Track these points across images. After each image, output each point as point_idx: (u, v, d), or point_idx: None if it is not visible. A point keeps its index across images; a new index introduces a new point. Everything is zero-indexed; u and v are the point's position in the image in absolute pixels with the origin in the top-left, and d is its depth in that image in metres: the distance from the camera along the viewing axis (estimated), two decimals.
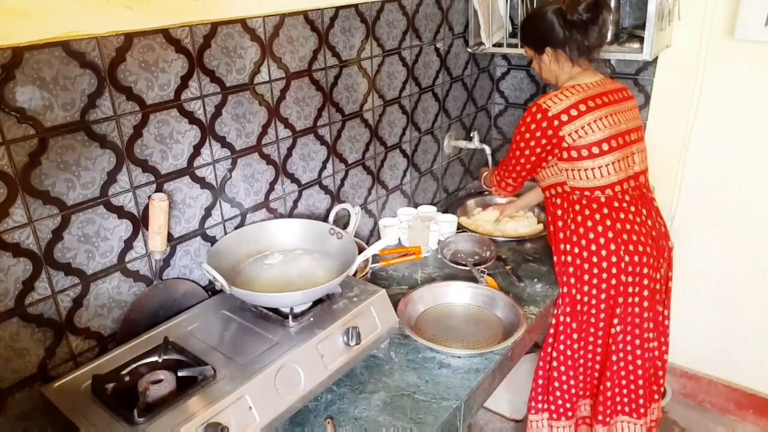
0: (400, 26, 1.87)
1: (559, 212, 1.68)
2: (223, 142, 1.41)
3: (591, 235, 1.60)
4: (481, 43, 2.17)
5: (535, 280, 1.77)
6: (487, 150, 2.28)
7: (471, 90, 2.37)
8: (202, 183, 1.39)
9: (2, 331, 1.09)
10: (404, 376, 1.35)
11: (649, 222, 1.65)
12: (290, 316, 1.26)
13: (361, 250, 1.42)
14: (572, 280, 1.65)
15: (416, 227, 1.92)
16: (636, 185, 1.64)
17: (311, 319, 1.28)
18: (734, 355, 2.27)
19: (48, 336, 1.16)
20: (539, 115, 1.56)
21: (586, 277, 1.62)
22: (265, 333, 1.25)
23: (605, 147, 1.56)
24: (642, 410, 1.72)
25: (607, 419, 1.72)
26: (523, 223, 2.14)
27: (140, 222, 1.28)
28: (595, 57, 1.66)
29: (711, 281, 2.21)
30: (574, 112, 1.54)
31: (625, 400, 1.72)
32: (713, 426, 2.31)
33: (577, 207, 1.62)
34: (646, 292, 1.64)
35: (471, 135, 2.32)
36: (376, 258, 1.84)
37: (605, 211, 1.59)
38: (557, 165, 1.61)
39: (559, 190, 1.66)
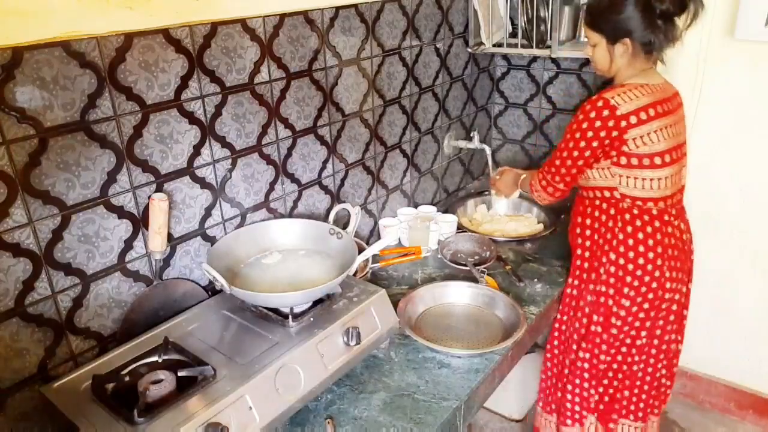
0: (400, 26, 1.87)
1: (604, 218, 1.56)
2: (223, 142, 1.41)
3: (641, 248, 1.51)
4: (481, 43, 2.17)
5: (535, 280, 1.77)
6: (487, 150, 2.28)
7: (471, 90, 2.37)
8: (202, 183, 1.39)
9: (2, 331, 1.09)
10: (404, 376, 1.35)
11: (685, 237, 1.61)
12: (290, 316, 1.27)
13: (361, 250, 1.42)
14: (611, 291, 1.57)
15: (416, 227, 1.92)
16: (680, 199, 1.59)
17: (311, 319, 1.28)
18: (734, 355, 2.27)
19: (48, 336, 1.16)
20: (606, 111, 1.42)
21: (626, 290, 1.55)
22: (265, 333, 1.25)
23: (667, 159, 1.47)
24: (641, 413, 1.70)
25: (610, 424, 1.71)
26: (523, 223, 2.14)
27: (140, 222, 1.27)
28: (663, 56, 1.54)
29: (711, 281, 2.20)
30: (643, 116, 1.42)
31: (632, 408, 1.69)
32: (713, 426, 2.31)
33: (628, 216, 1.52)
34: (674, 307, 1.61)
35: (471, 135, 2.32)
36: (376, 258, 1.84)
37: (657, 224, 1.51)
38: (610, 169, 1.49)
39: (607, 194, 1.54)
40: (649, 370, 1.66)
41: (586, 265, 1.64)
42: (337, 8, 1.61)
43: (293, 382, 1.16)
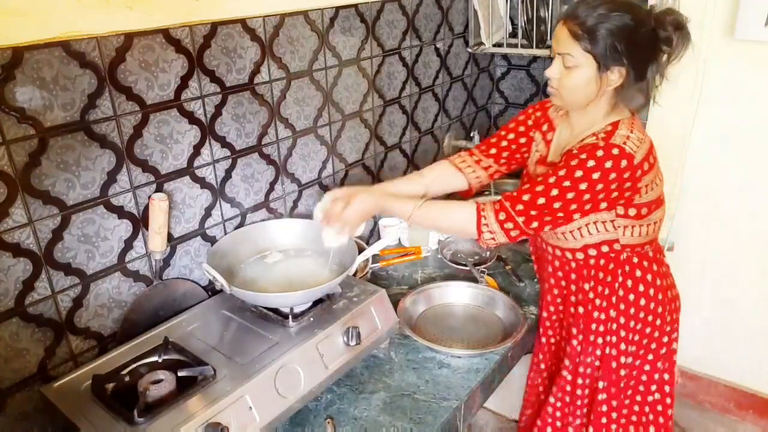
0: (400, 26, 1.87)
1: (601, 275, 1.35)
2: (223, 142, 1.41)
3: (642, 302, 1.35)
4: (481, 43, 2.17)
5: (535, 280, 1.76)
6: None
7: (471, 90, 2.37)
8: (202, 183, 1.39)
9: (2, 331, 1.09)
10: (404, 376, 1.35)
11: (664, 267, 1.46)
12: (290, 316, 1.27)
13: (361, 250, 1.42)
14: (614, 351, 1.39)
15: (416, 227, 1.92)
16: None
17: (311, 319, 1.28)
18: (734, 355, 2.27)
19: (48, 336, 1.16)
20: (624, 162, 1.16)
21: (631, 347, 1.39)
22: (265, 333, 1.25)
23: (659, 202, 1.31)
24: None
25: None
26: None
27: (140, 222, 1.27)
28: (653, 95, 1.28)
29: (711, 281, 2.20)
30: (651, 160, 1.23)
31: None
32: (713, 426, 2.31)
33: (627, 268, 1.33)
34: (673, 343, 1.46)
35: (471, 135, 2.32)
36: (376, 258, 1.84)
37: (654, 268, 1.36)
38: (614, 221, 1.27)
39: (605, 249, 1.31)
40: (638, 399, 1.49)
41: (607, 327, 1.39)
42: (337, 8, 1.61)
43: (293, 382, 1.16)
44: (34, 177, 1.07)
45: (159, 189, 1.30)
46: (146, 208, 1.27)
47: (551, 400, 1.53)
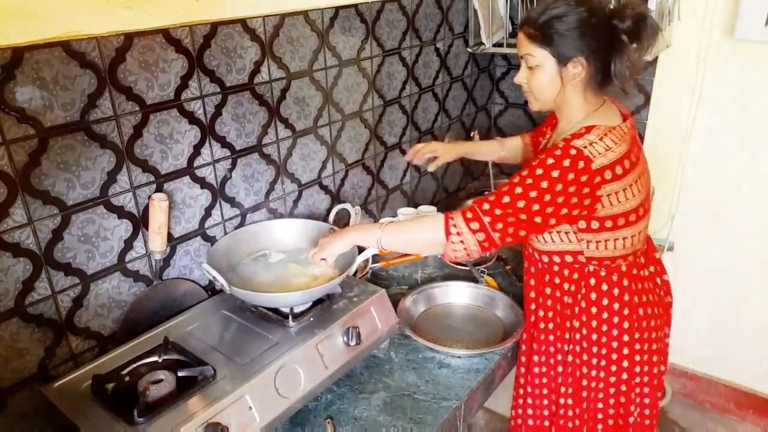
0: (400, 26, 1.87)
1: (566, 285, 1.34)
2: (223, 142, 1.41)
3: (605, 315, 1.31)
4: (481, 43, 2.17)
5: None
6: None
7: (471, 90, 2.37)
8: (202, 183, 1.39)
9: (2, 331, 1.09)
10: (404, 376, 1.35)
11: (658, 280, 1.41)
12: (290, 316, 1.27)
13: (361, 250, 1.42)
14: (577, 360, 1.38)
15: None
16: (648, 241, 1.40)
17: (311, 319, 1.28)
18: (734, 355, 2.27)
19: (48, 336, 1.16)
20: (581, 163, 1.15)
21: (594, 360, 1.35)
22: (265, 333, 1.25)
23: (641, 212, 1.25)
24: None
25: None
26: None
27: (140, 222, 1.28)
28: (628, 88, 1.25)
29: (711, 281, 2.20)
30: (619, 170, 1.17)
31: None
32: (713, 426, 2.31)
33: (593, 281, 1.30)
34: (653, 357, 1.39)
35: (471, 135, 2.32)
36: (376, 258, 1.84)
37: (625, 283, 1.30)
38: (577, 234, 1.25)
39: (569, 259, 1.31)
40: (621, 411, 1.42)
41: (567, 336, 1.39)
42: (337, 8, 1.61)
43: (293, 382, 1.16)
44: (34, 177, 1.07)
45: (159, 189, 1.30)
46: (146, 208, 1.27)
47: (528, 389, 1.50)
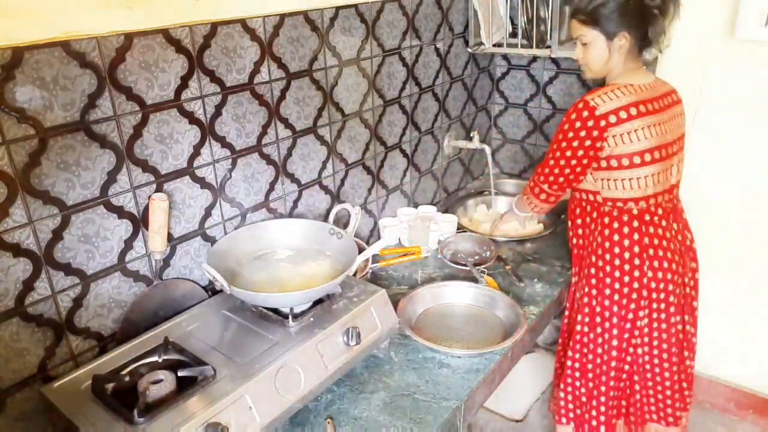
0: (400, 26, 1.87)
1: (588, 220, 1.61)
2: (223, 142, 1.41)
3: (616, 250, 1.53)
4: (481, 43, 2.17)
5: (535, 280, 1.77)
6: (487, 150, 2.28)
7: (471, 90, 2.37)
8: (202, 183, 1.39)
9: (2, 331, 1.09)
10: (404, 376, 1.35)
11: (679, 237, 1.60)
12: (290, 316, 1.27)
13: (361, 250, 1.42)
14: (594, 291, 1.59)
15: (416, 227, 1.92)
16: (669, 198, 1.57)
17: (311, 319, 1.28)
18: (734, 355, 2.27)
19: (48, 336, 1.16)
20: (585, 113, 1.45)
21: (607, 291, 1.56)
22: (265, 333, 1.25)
23: (647, 158, 1.47)
24: (671, 418, 1.66)
25: (638, 429, 1.69)
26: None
27: (140, 222, 1.28)
28: (662, 47, 1.55)
29: (711, 281, 2.20)
30: (623, 114, 1.44)
31: (653, 408, 1.66)
32: (713, 426, 2.31)
33: (606, 219, 1.55)
34: (672, 309, 1.57)
35: (471, 135, 2.32)
36: (376, 258, 1.84)
37: (635, 224, 1.52)
38: (593, 174, 1.53)
39: (591, 198, 1.58)
40: (658, 379, 1.62)
41: (575, 268, 1.69)
42: (337, 8, 1.61)
43: (293, 382, 1.16)
44: (34, 177, 1.07)
45: (159, 189, 1.30)
46: (146, 208, 1.27)
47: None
